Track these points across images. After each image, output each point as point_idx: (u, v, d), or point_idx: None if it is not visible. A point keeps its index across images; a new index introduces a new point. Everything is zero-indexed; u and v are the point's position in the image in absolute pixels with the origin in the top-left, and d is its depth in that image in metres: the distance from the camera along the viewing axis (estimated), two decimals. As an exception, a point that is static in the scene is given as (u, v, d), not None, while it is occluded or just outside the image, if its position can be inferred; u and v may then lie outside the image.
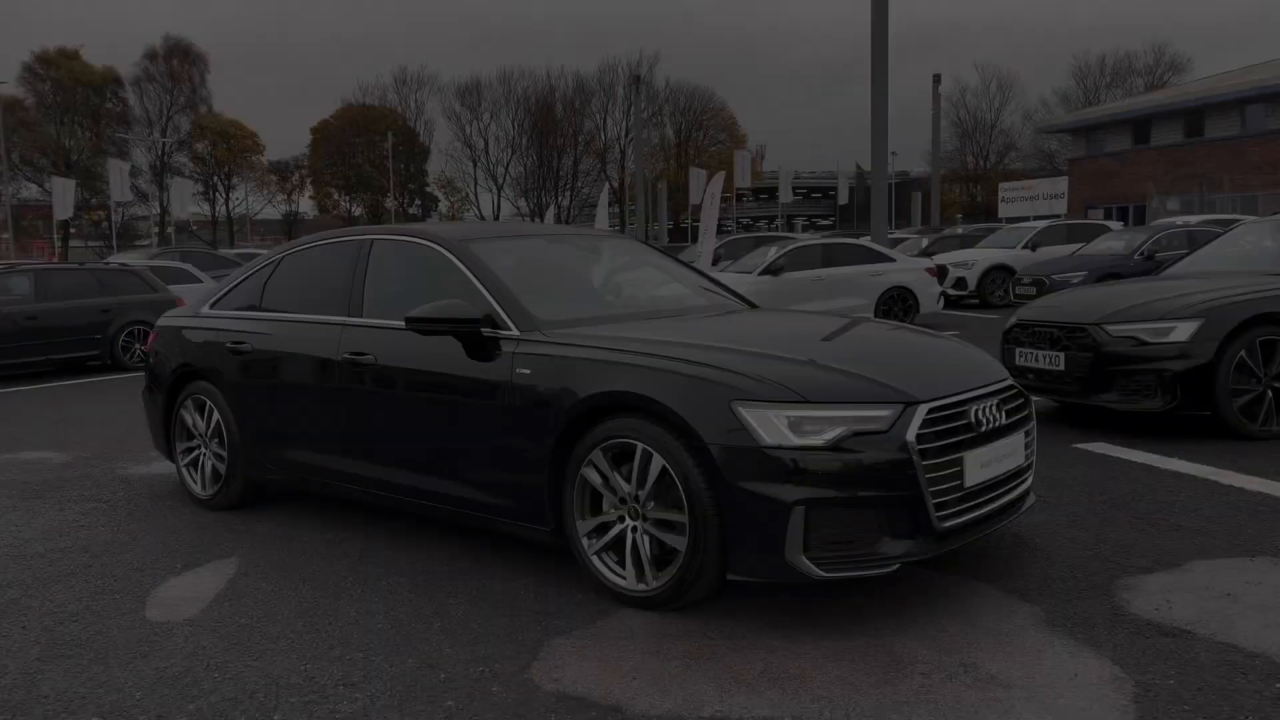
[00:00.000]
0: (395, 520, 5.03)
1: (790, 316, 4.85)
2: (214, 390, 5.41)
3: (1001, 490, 3.84)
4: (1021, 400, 4.10)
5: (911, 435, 3.45)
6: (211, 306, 5.72)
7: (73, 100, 60.15)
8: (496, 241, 4.82)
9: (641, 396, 3.63)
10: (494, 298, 4.28)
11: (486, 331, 4.18)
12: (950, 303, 19.80)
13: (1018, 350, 7.38)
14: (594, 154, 68.11)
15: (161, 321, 6.04)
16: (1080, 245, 18.78)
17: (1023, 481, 4.04)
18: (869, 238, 20.99)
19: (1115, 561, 4.11)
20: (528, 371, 4.01)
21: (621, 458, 3.72)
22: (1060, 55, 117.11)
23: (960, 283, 19.93)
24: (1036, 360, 7.16)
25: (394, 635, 3.57)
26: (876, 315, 15.54)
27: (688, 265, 5.54)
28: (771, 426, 3.41)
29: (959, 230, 30.26)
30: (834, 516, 3.42)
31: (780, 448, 3.39)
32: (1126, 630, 3.40)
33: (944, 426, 3.59)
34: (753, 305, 5.26)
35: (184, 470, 5.70)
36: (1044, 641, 3.33)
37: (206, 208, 63.74)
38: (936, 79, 41.67)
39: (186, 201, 49.06)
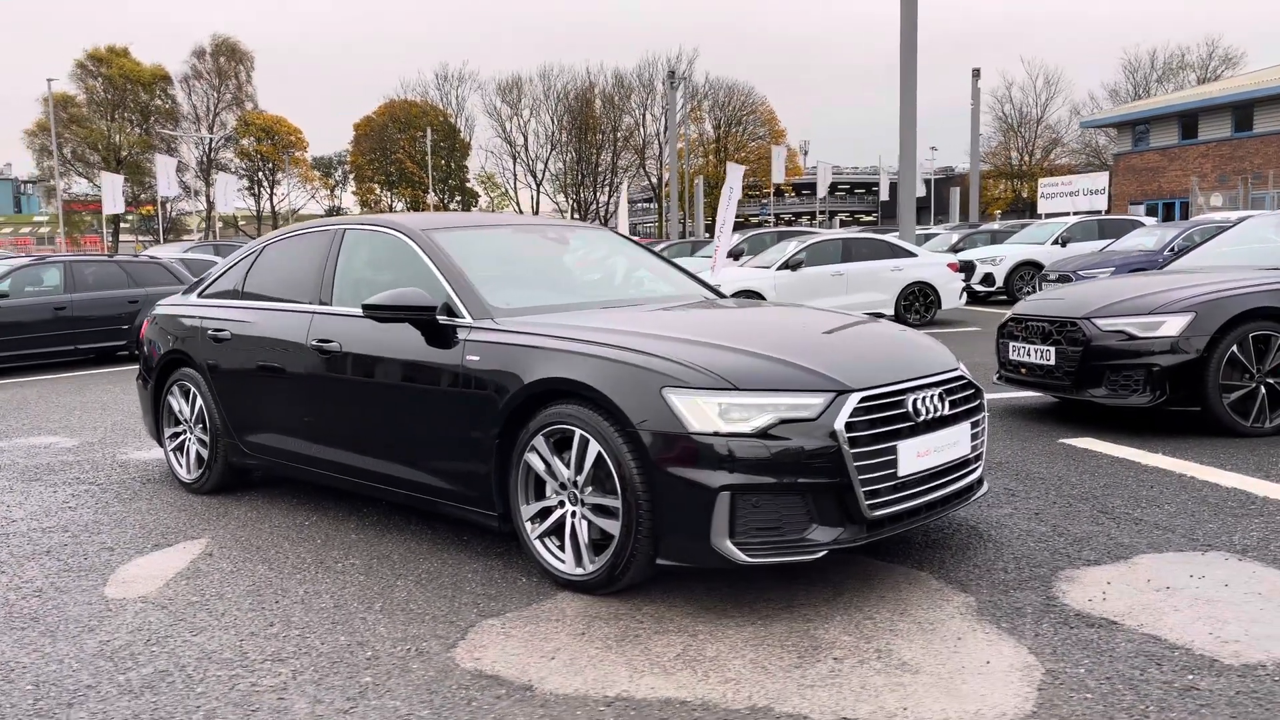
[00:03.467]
0: (368, 505, 5.14)
1: (747, 308, 4.85)
2: (198, 377, 5.55)
3: (943, 480, 3.84)
4: (970, 392, 4.09)
5: (840, 423, 3.47)
6: (199, 295, 5.87)
7: (123, 97, 61.43)
8: (461, 231, 4.90)
9: (578, 383, 3.69)
10: (450, 285, 4.36)
11: (443, 319, 4.26)
12: (977, 299, 19.63)
13: (1011, 345, 7.32)
14: (633, 150, 68.18)
15: (155, 309, 6.21)
16: (1111, 241, 18.49)
17: (969, 472, 4.04)
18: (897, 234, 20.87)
19: (1065, 554, 4.09)
20: (476, 359, 4.08)
21: (563, 444, 3.78)
22: (1110, 49, 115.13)
23: (988, 278, 19.74)
24: (1028, 355, 7.10)
25: (335, 614, 3.66)
26: (897, 311, 15.46)
27: (661, 257, 5.58)
28: (700, 413, 3.45)
29: (995, 226, 29.92)
30: (761, 503, 3.45)
31: (708, 434, 3.42)
32: (1053, 620, 3.39)
33: (878, 415, 3.60)
34: (721, 295, 5.29)
35: (171, 455, 5.86)
36: (967, 630, 3.34)
37: (251, 203, 64.78)
38: (976, 73, 41.22)
39: (231, 197, 49.92)
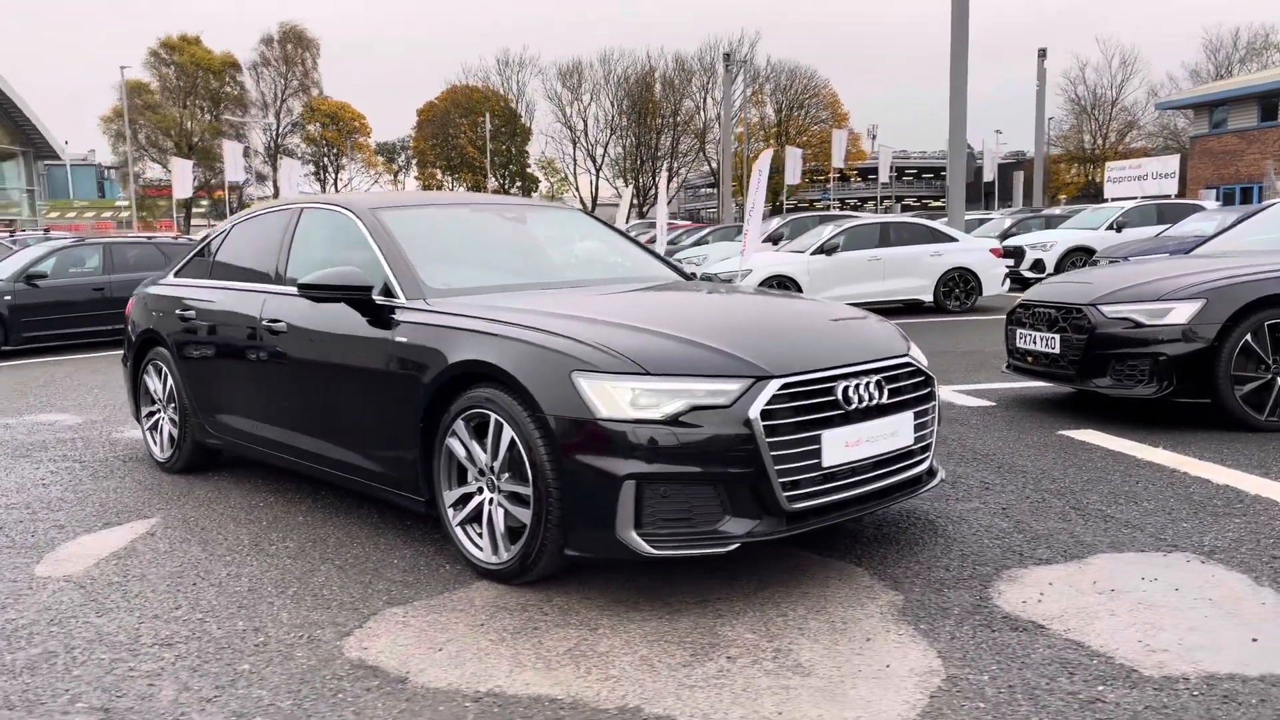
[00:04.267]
0: (326, 488, 5.09)
1: (694, 291, 4.64)
2: (168, 356, 5.57)
3: (878, 472, 3.65)
4: (918, 380, 3.88)
5: (755, 411, 3.30)
6: (175, 275, 5.88)
7: (194, 84, 62.80)
8: (410, 210, 4.82)
9: (493, 366, 3.57)
10: (388, 264, 4.28)
11: (380, 299, 4.18)
12: (1027, 286, 19.06)
13: (1018, 332, 7.03)
14: (693, 134, 67.71)
15: (138, 289, 6.24)
16: (1168, 227, 17.79)
17: (914, 464, 3.83)
18: (945, 219, 20.36)
19: (1017, 552, 3.87)
20: (404, 340, 3.99)
21: (482, 429, 3.67)
22: (1192, 28, 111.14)
23: (1038, 264, 19.15)
24: (1034, 342, 6.80)
25: (245, 599, 3.60)
26: (936, 297, 15.07)
27: (633, 240, 5.43)
28: (608, 398, 3.31)
29: (1057, 211, 29.05)
30: (670, 493, 3.30)
31: (614, 420, 3.28)
32: (977, 623, 3.19)
33: (801, 403, 3.42)
34: (687, 278, 5.13)
35: (146, 434, 5.89)
36: (880, 631, 3.15)
37: (317, 187, 65.82)
38: (1041, 54, 40.05)
39: (295, 182, 50.74)
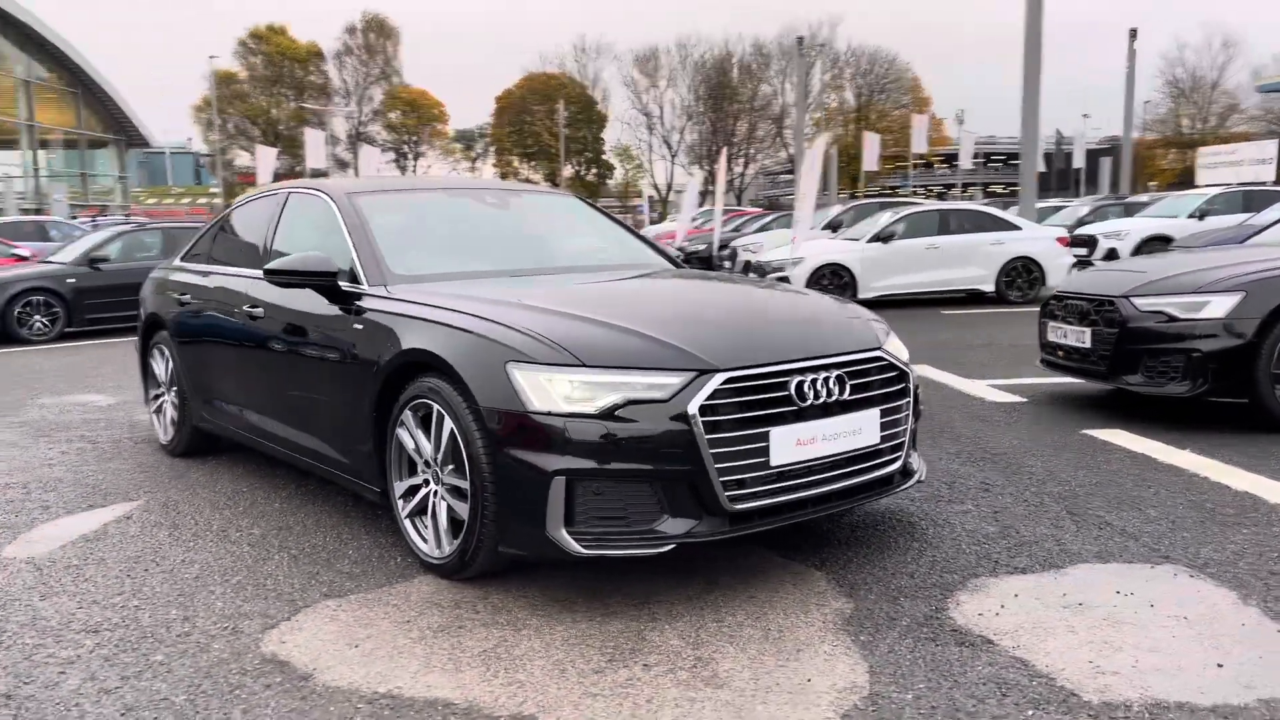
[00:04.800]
0: (311, 475, 5.07)
1: (665, 279, 4.44)
2: (169, 340, 5.61)
3: (836, 472, 3.45)
4: (890, 375, 3.67)
5: (694, 406, 3.14)
6: (181, 259, 5.92)
7: (280, 73, 64.30)
8: (387, 195, 4.75)
9: (433, 355, 3.47)
10: (355, 249, 4.21)
11: (345, 285, 4.12)
12: (1100, 276, 18.31)
13: (1050, 325, 6.68)
14: (770, 120, 66.94)
15: (151, 273, 6.32)
16: (1252, 215, 16.90)
17: (881, 463, 3.62)
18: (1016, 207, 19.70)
19: (993, 559, 3.64)
20: (360, 327, 3.92)
21: (428, 419, 3.57)
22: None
23: (1111, 254, 18.36)
24: (1065, 336, 6.46)
25: (189, 586, 3.58)
26: (998, 287, 14.56)
27: (623, 226, 5.27)
28: (542, 391, 3.18)
29: (1144, 199, 27.91)
30: (604, 490, 3.16)
31: (548, 414, 3.16)
32: (922, 636, 2.99)
33: (748, 398, 3.25)
34: (677, 265, 4.96)
35: (152, 416, 5.96)
36: (815, 641, 2.97)
37: (397, 174, 66.90)
38: (1132, 34, 38.48)
39: (375, 169, 51.60)
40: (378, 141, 63.30)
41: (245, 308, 4.72)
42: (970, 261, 14.57)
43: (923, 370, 8.18)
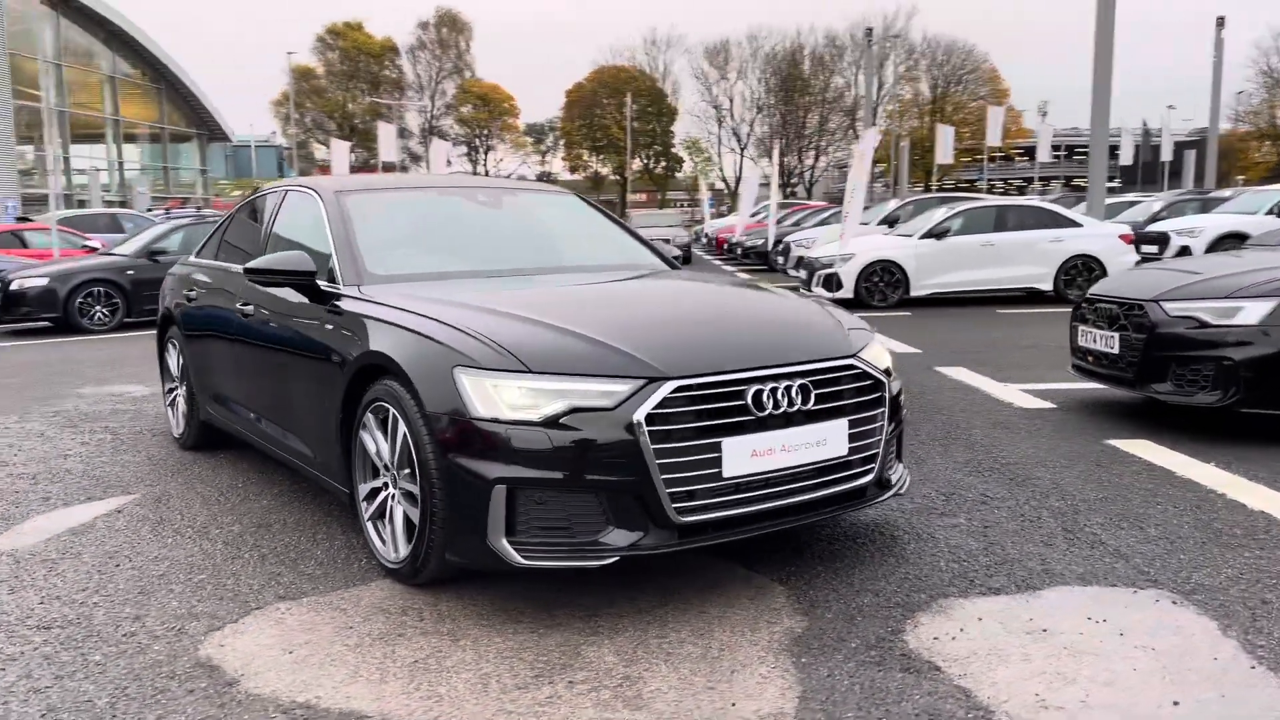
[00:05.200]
0: (304, 471, 5.10)
1: (646, 282, 4.31)
2: (179, 334, 5.70)
3: (797, 485, 3.33)
4: (863, 384, 3.52)
5: (640, 415, 3.05)
6: (195, 255, 6.01)
7: (356, 68, 65.45)
8: (373, 194, 4.73)
9: (388, 358, 3.44)
10: (335, 248, 4.20)
11: (324, 285, 4.11)
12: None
13: (1080, 329, 6.42)
14: (842, 112, 66.03)
15: (171, 268, 6.42)
16: (1335, 211, 16.11)
17: (850, 476, 3.48)
18: (1084, 204, 19.09)
19: (967, 579, 3.48)
20: (331, 327, 3.91)
21: (386, 422, 3.54)
22: None
23: (1184, 252, 17.67)
24: (1094, 341, 6.19)
25: (151, 584, 3.60)
26: (1056, 285, 14.10)
27: (621, 226, 5.17)
28: (486, 396, 3.12)
29: (1226, 194, 26.82)
30: (548, 499, 3.09)
31: (491, 420, 3.09)
32: (868, 660, 2.86)
33: (700, 407, 3.15)
34: (674, 267, 4.86)
35: (167, 410, 6.07)
36: (754, 662, 2.86)
37: (468, 168, 67.64)
38: (1220, 22, 37.03)
39: (444, 162, 52.26)
40: (449, 135, 64.03)
41: (238, 305, 4.75)
42: (1027, 259, 14.15)
43: (956, 373, 7.95)
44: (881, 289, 14.01)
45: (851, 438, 3.45)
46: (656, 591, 3.40)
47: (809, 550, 3.80)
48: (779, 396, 3.27)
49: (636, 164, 66.48)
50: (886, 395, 3.61)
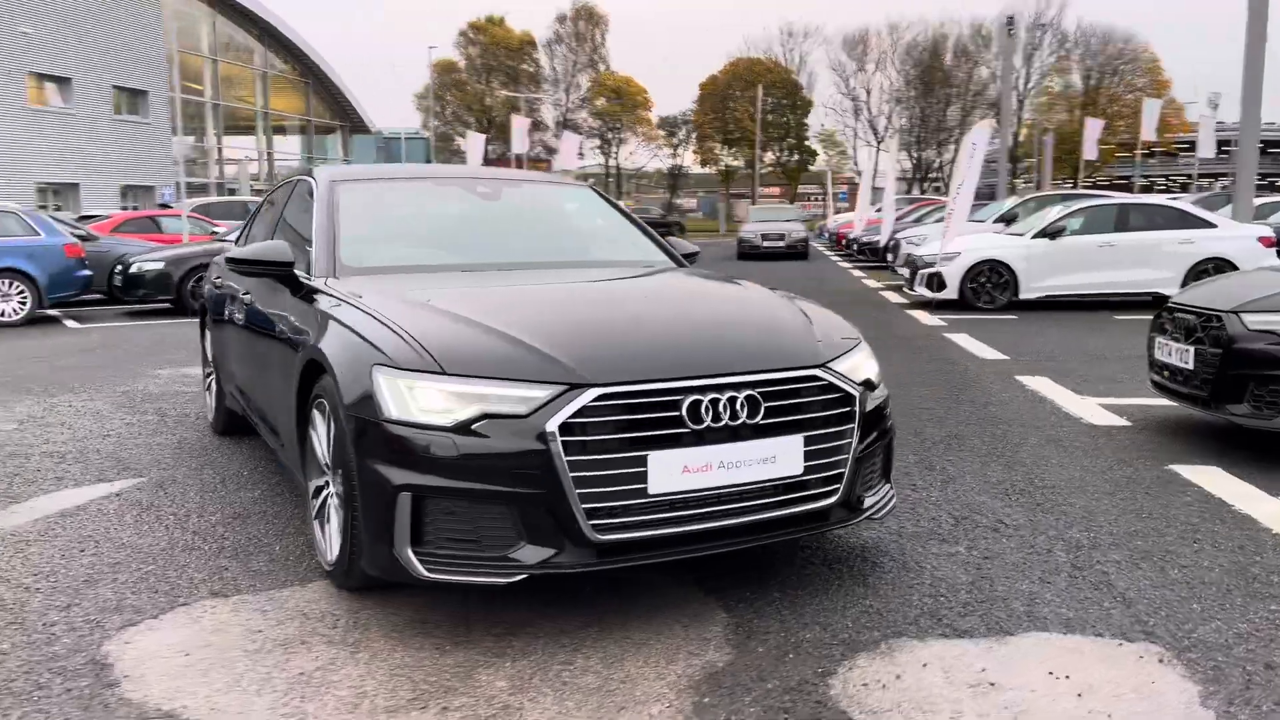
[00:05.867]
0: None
1: (630, 282, 4.03)
2: (209, 321, 5.78)
3: (741, 505, 3.06)
4: (827, 398, 3.21)
5: (554, 424, 2.83)
6: (236, 243, 6.09)
7: (496, 62, 66.77)
8: (368, 184, 4.64)
9: (322, 354, 3.32)
10: (315, 238, 4.13)
11: (302, 276, 4.05)
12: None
13: (1157, 341, 5.83)
14: (987, 104, 63.47)
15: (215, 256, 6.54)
16: None
17: (806, 497, 3.18)
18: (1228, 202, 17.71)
19: (937, 616, 3.13)
20: (295, 319, 3.83)
21: (325, 420, 3.43)
22: None
23: (1339, 257, 16.15)
24: (1169, 355, 5.62)
25: (99, 573, 3.57)
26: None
27: (632, 221, 4.90)
28: (400, 398, 2.96)
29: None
30: (458, 510, 2.92)
31: (401, 423, 2.94)
32: (772, 706, 2.57)
33: (626, 417, 2.91)
34: (681, 265, 4.60)
35: (205, 394, 6.17)
36: (647, 701, 2.61)
37: (601, 160, 68.21)
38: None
39: (572, 156, 52.77)
40: (583, 128, 64.62)
41: (241, 293, 4.76)
42: (1151, 262, 13.16)
43: (1035, 382, 7.40)
44: (988, 290, 13.28)
45: (809, 455, 3.15)
46: (587, 611, 3.19)
47: (775, 573, 3.51)
48: (720, 408, 3.00)
49: (769, 157, 65.62)
50: (857, 410, 3.28)
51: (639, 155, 69.65)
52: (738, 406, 3.02)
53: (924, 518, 4.15)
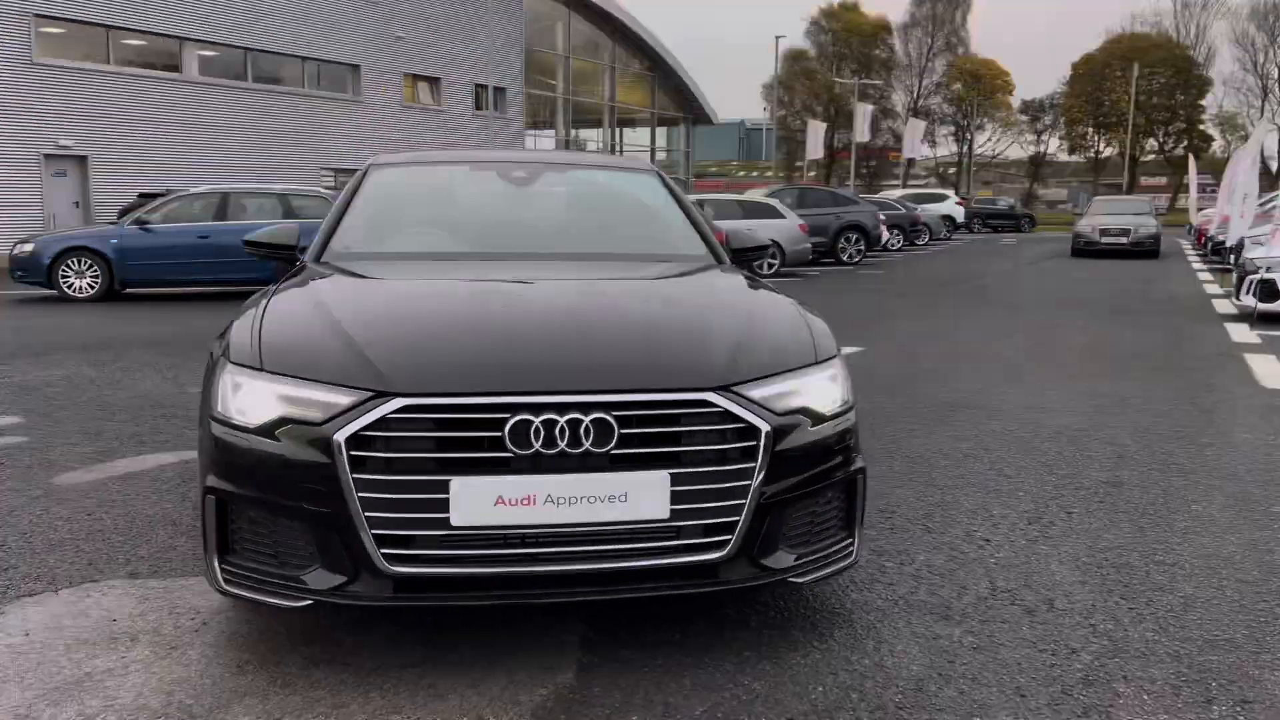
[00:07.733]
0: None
1: (612, 282, 3.46)
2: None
3: (581, 549, 2.51)
4: (720, 429, 2.57)
5: (342, 435, 2.46)
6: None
7: (848, 49, 65.54)
8: (404, 168, 4.49)
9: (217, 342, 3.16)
10: (327, 222, 4.05)
11: (301, 260, 3.97)
12: None
13: None
14: None
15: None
16: None
17: (675, 549, 2.56)
18: None
19: (878, 678, 2.40)
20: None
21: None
22: None
23: None
24: None
25: (46, 542, 3.64)
26: None
27: (692, 219, 4.23)
28: (226, 395, 2.71)
29: None
30: (260, 520, 2.63)
31: (220, 421, 2.70)
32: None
33: (433, 434, 2.48)
34: (722, 263, 3.94)
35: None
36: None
37: (953, 148, 64.81)
38: None
39: (918, 144, 50.61)
40: (935, 115, 61.70)
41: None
42: None
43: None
44: (1313, 304, 10.84)
45: (679, 496, 2.53)
46: (432, 648, 2.78)
47: (692, 630, 2.89)
48: (556, 431, 2.47)
49: (1151, 143, 58.97)
50: (761, 445, 2.59)
51: (998, 141, 65.32)
52: (581, 432, 2.48)
53: (955, 580, 3.28)
